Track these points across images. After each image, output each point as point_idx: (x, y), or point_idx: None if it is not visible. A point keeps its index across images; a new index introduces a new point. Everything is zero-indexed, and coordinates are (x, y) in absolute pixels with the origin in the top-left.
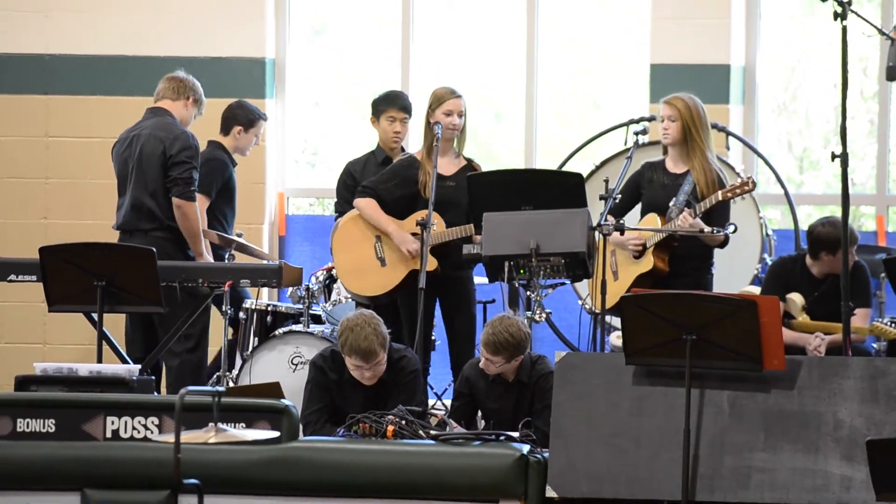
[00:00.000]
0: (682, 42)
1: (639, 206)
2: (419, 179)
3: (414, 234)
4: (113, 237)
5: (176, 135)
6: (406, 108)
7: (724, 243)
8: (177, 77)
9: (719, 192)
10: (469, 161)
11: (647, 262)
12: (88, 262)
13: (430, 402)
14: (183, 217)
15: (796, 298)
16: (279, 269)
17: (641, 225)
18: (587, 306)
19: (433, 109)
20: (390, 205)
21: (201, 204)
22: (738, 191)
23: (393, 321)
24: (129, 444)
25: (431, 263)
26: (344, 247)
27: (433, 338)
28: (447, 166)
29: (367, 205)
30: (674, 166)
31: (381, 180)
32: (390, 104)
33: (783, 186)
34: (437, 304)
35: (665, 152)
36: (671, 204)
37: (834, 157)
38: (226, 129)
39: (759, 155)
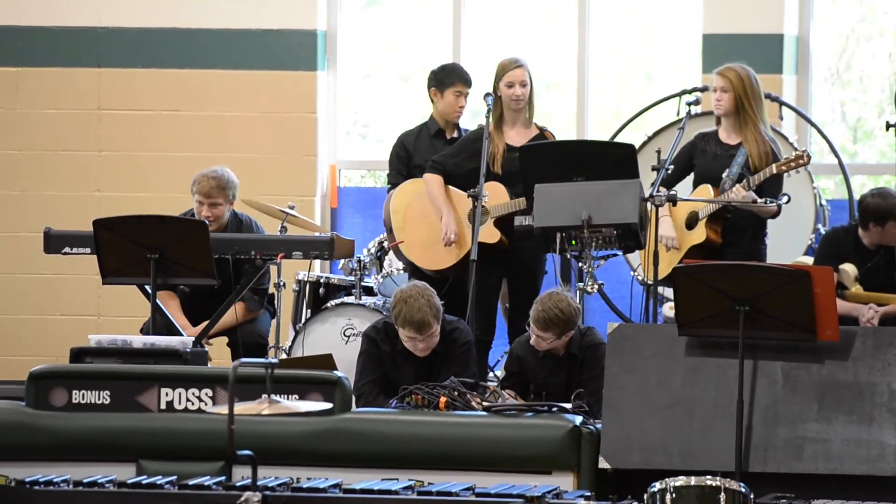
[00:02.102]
0: (735, 11)
1: (691, 177)
2: (489, 152)
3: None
4: (166, 210)
5: None
6: (470, 82)
7: (776, 214)
8: None
9: (773, 166)
10: (542, 130)
11: (700, 234)
12: (141, 234)
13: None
14: None
15: (849, 269)
16: (331, 242)
17: (694, 196)
18: (639, 277)
19: (497, 81)
20: (460, 178)
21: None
22: (792, 164)
23: (445, 293)
24: (184, 415)
25: (495, 235)
26: (414, 220)
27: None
28: (517, 137)
29: (431, 181)
30: (727, 137)
31: (450, 154)
32: (458, 78)
33: (837, 156)
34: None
35: (718, 122)
36: (724, 175)
37: (889, 126)
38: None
39: (813, 125)
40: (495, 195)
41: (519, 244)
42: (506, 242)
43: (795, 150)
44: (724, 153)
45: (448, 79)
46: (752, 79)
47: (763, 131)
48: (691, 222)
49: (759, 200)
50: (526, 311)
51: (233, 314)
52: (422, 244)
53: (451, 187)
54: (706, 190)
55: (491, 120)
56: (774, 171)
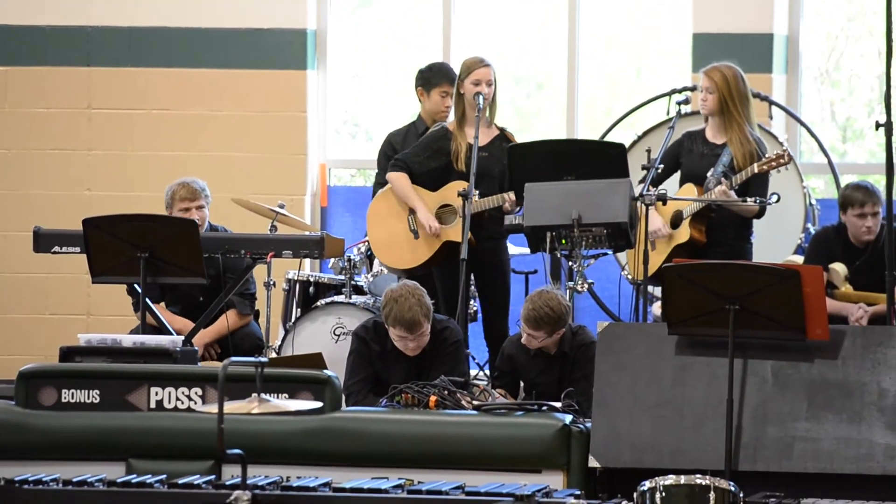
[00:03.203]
0: (725, 11)
1: (677, 176)
2: (451, 150)
3: (446, 206)
4: (155, 209)
5: None
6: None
7: (760, 213)
8: None
9: (755, 165)
10: (502, 130)
11: (684, 233)
12: (131, 233)
13: (472, 372)
14: None
15: (839, 268)
16: (321, 241)
17: (679, 195)
18: (629, 277)
19: (462, 79)
20: (423, 177)
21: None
22: (773, 163)
23: (432, 292)
24: (173, 414)
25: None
26: (377, 220)
27: (473, 309)
28: (479, 136)
29: (397, 179)
30: (713, 136)
31: (413, 153)
32: (444, 78)
33: (827, 155)
34: (473, 275)
35: (706, 121)
36: (709, 175)
37: (878, 126)
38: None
39: (803, 124)
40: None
41: (484, 244)
42: (474, 241)
43: (784, 149)
44: (710, 152)
45: (435, 79)
46: (738, 79)
47: (748, 132)
48: (675, 221)
49: (748, 200)
50: (498, 308)
51: (225, 322)
52: (385, 243)
53: (415, 186)
54: (690, 189)
55: (454, 118)
56: (756, 171)
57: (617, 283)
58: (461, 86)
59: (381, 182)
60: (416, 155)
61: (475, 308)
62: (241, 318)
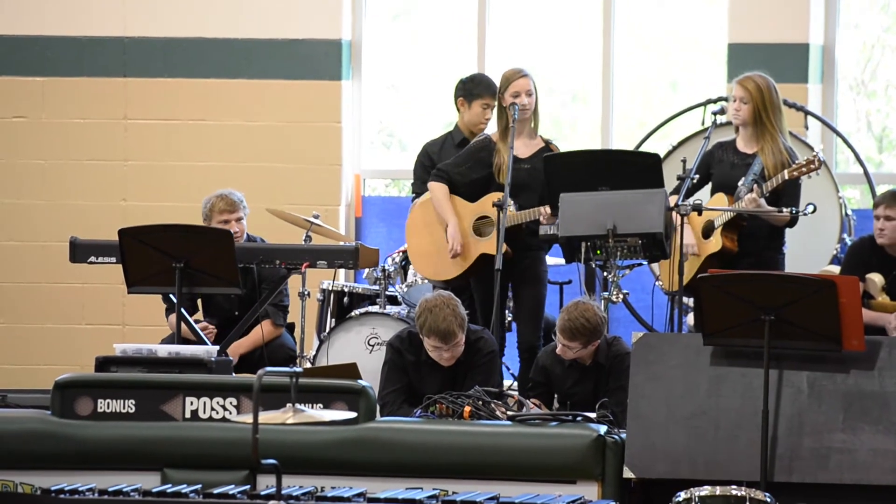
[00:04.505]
0: (761, 21)
1: (709, 186)
2: (494, 162)
3: (484, 218)
4: (191, 219)
5: None
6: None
7: (792, 223)
8: None
9: (785, 172)
10: (547, 142)
11: (717, 242)
12: (167, 243)
13: (506, 382)
14: None
15: (876, 278)
16: (356, 251)
17: (710, 205)
18: (663, 287)
19: (502, 92)
20: (465, 188)
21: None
22: (804, 169)
23: (469, 302)
24: (208, 424)
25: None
26: (416, 230)
27: (508, 319)
28: (522, 148)
29: (436, 190)
30: (744, 146)
31: (455, 164)
32: (486, 90)
33: (863, 166)
34: (510, 286)
35: (737, 131)
36: (740, 184)
37: None
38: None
39: (838, 134)
40: None
41: (522, 255)
42: (510, 253)
43: (815, 154)
44: (740, 162)
45: (477, 90)
46: (771, 89)
47: (781, 142)
48: (707, 231)
49: (783, 210)
50: (530, 320)
51: (259, 332)
52: (424, 253)
53: (455, 196)
54: (721, 199)
55: (497, 130)
56: (786, 177)
57: (650, 294)
58: (502, 99)
59: (418, 192)
60: (458, 165)
61: (510, 318)
62: (275, 328)
